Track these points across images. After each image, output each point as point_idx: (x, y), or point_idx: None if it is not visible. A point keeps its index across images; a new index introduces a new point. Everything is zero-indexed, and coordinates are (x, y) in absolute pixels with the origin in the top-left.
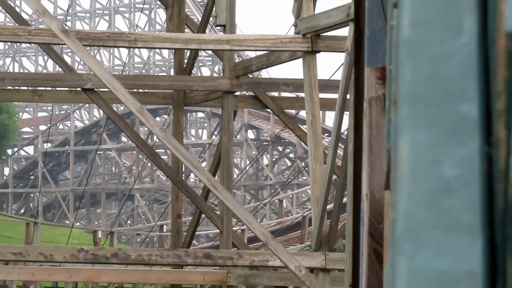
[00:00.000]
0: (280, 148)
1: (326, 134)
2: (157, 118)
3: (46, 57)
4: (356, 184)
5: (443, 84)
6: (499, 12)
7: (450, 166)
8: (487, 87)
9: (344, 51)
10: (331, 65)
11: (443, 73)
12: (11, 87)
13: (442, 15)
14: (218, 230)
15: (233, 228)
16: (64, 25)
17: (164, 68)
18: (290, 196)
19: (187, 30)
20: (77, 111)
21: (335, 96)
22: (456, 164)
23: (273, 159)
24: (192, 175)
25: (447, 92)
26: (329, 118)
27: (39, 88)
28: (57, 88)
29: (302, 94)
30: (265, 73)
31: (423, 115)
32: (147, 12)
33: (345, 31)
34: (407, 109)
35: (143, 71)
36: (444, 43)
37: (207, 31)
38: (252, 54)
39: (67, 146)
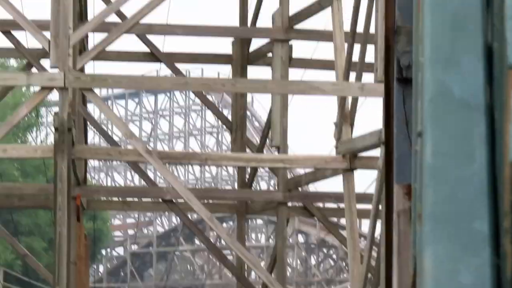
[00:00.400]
0: (325, 250)
1: (362, 239)
2: (224, 225)
3: (133, 173)
4: (387, 282)
5: (459, 204)
6: (505, 144)
7: (465, 274)
8: (496, 207)
9: (376, 169)
10: (366, 180)
11: (459, 195)
12: (104, 198)
13: (458, 147)
14: None
15: None
16: (148, 146)
17: (229, 182)
18: None
19: (248, 150)
20: (159, 218)
21: (369, 207)
22: (471, 273)
23: (319, 259)
24: (253, 272)
25: (462, 211)
26: (365, 225)
27: (127, 199)
28: (142, 199)
29: (342, 205)
30: (312, 187)
31: (443, 231)
32: (215, 135)
33: (377, 152)
34: (430, 225)
35: (212, 184)
36: (460, 170)
37: (264, 151)
38: (301, 171)
39: (150, 248)
